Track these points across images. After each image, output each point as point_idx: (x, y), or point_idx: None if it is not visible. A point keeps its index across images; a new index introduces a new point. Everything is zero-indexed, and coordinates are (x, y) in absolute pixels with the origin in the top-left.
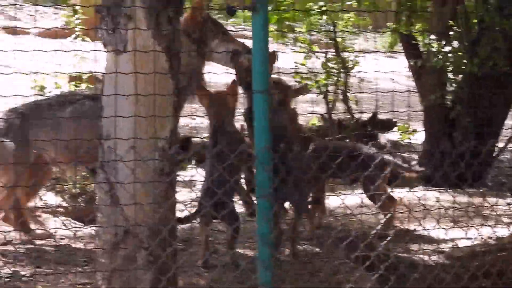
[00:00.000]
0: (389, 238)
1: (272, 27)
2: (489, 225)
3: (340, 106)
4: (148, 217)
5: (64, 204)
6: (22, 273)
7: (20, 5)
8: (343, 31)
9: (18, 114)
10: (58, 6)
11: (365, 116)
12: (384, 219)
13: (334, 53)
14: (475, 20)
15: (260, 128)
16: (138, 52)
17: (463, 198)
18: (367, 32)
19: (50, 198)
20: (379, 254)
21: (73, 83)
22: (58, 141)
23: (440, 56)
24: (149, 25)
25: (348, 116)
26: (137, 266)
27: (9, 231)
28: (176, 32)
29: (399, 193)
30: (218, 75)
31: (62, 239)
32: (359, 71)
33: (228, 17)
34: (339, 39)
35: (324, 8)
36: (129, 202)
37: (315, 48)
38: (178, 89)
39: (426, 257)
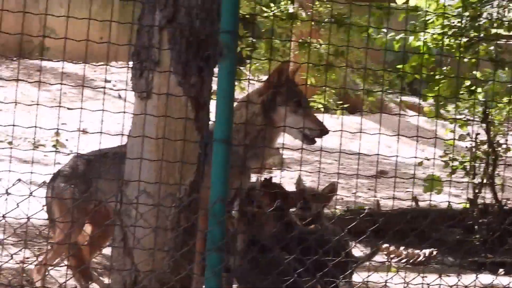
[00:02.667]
0: None
1: None
2: None
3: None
4: (159, 267)
5: None
6: None
7: None
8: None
9: (83, 161)
10: None
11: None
12: None
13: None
14: None
15: (217, 178)
16: (164, 99)
17: None
18: None
19: None
20: None
21: None
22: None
23: None
24: (176, 72)
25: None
26: None
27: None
28: (206, 83)
29: None
30: None
31: None
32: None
33: None
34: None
35: None
36: (141, 252)
37: None
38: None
39: None
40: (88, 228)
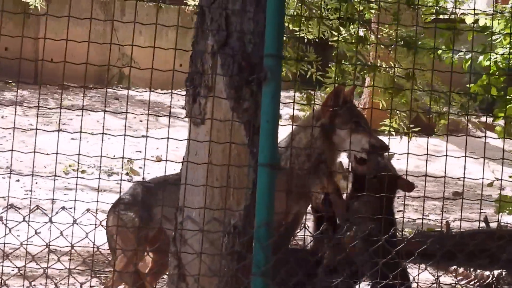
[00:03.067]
0: None
1: None
2: None
3: None
4: None
5: None
6: None
7: None
8: None
9: (144, 188)
10: None
11: None
12: None
13: None
14: None
15: (262, 203)
16: (217, 124)
17: None
18: None
19: None
20: None
21: None
22: None
23: None
24: (229, 97)
25: None
26: None
27: None
28: (259, 107)
29: None
30: None
31: None
32: None
33: None
34: None
35: None
36: (195, 280)
37: None
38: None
39: None
40: (150, 257)
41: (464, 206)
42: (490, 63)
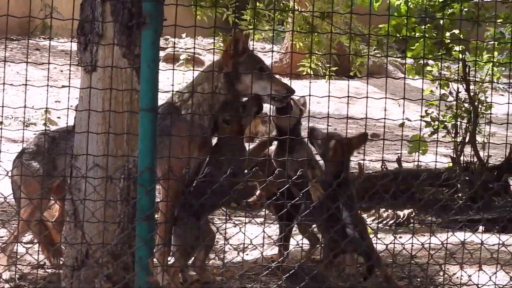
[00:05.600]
0: None
1: None
2: None
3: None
4: (109, 240)
5: None
6: None
7: None
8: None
9: (48, 139)
10: None
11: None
12: None
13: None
14: None
15: (144, 148)
16: (109, 71)
17: None
18: None
19: None
20: None
21: None
22: None
23: None
24: (120, 44)
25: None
26: None
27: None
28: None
29: None
30: None
31: None
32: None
33: None
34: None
35: None
36: (92, 225)
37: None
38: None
39: None
40: (56, 206)
41: (381, 147)
42: (400, 2)
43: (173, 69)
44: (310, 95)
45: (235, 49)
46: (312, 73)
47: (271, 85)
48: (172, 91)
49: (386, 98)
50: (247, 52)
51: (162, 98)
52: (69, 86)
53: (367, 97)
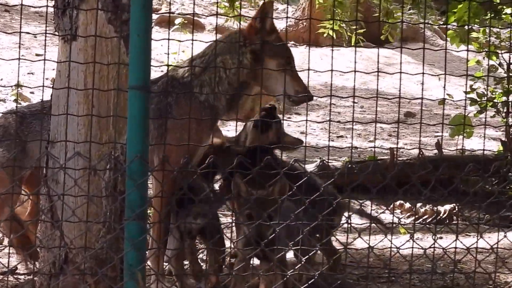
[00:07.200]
0: None
1: None
2: None
3: None
4: (92, 243)
5: None
6: None
7: None
8: None
9: (17, 118)
10: None
11: None
12: None
13: None
14: None
15: (134, 132)
16: (92, 40)
17: None
18: None
19: None
20: None
21: None
22: None
23: None
24: (105, 7)
25: None
26: None
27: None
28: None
29: None
30: None
31: None
32: None
33: None
34: None
35: None
36: (72, 224)
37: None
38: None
39: None
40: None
41: (417, 129)
42: None
43: (168, 39)
44: (332, 70)
45: (262, 24)
46: (334, 36)
47: (293, 82)
48: (168, 64)
49: (423, 70)
50: (276, 32)
51: (155, 70)
52: (44, 56)
53: (400, 69)
